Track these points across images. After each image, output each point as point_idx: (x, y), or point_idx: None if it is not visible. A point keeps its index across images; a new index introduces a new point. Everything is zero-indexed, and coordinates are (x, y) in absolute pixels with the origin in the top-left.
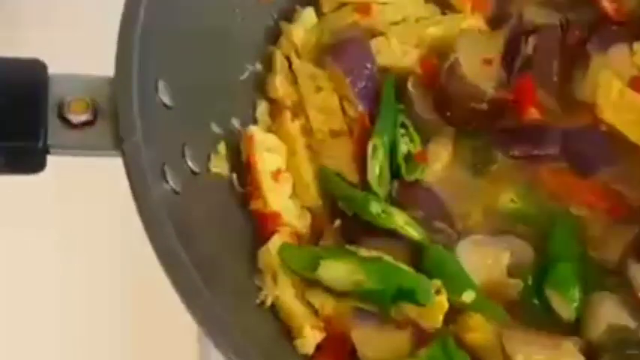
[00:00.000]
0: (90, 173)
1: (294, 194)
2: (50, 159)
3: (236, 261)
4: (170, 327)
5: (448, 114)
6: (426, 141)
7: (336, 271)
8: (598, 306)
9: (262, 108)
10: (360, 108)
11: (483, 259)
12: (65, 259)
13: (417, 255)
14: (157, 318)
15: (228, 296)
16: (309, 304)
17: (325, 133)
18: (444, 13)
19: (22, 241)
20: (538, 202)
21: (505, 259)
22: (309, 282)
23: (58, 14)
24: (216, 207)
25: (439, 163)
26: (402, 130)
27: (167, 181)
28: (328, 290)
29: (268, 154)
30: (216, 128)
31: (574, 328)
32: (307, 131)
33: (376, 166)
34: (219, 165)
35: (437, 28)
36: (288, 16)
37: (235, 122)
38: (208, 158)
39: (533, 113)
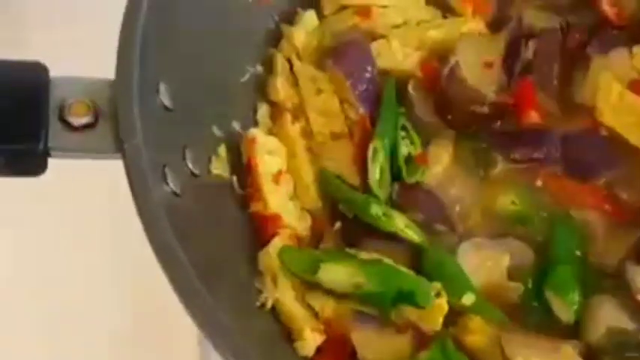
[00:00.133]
0: (90, 174)
1: (295, 196)
2: (51, 160)
3: (236, 263)
4: (171, 329)
5: (449, 117)
6: (426, 143)
7: (336, 273)
8: (597, 309)
9: (263, 110)
10: (361, 111)
11: (483, 262)
12: (65, 260)
13: (417, 258)
14: (157, 320)
15: (228, 298)
16: (309, 307)
17: (326, 136)
18: (444, 17)
19: (20, 242)
20: (538, 204)
21: (505, 261)
22: (309, 284)
23: (60, 17)
24: (217, 209)
25: (439, 165)
26: (403, 133)
27: (167, 183)
28: (328, 293)
29: (269, 156)
30: (216, 130)
31: (573, 331)
32: (308, 134)
33: (377, 169)
34: (220, 167)
35: (438, 31)
36: (290, 19)
37: (236, 124)
38: (209, 160)
39: (533, 117)
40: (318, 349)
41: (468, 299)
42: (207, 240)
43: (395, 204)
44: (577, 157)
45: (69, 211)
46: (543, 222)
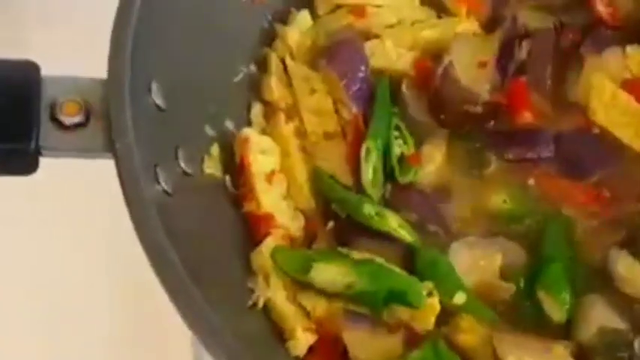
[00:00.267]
0: (82, 174)
1: (288, 196)
2: (42, 160)
3: (228, 263)
4: (164, 330)
5: (442, 117)
6: (419, 143)
7: (328, 273)
8: (589, 309)
9: (256, 110)
10: (354, 110)
11: (476, 261)
12: (58, 261)
13: (409, 257)
14: (151, 320)
15: (220, 298)
16: (301, 307)
17: (319, 136)
18: (439, 17)
19: (13, 242)
20: (530, 203)
21: (497, 261)
22: (301, 284)
23: (57, 17)
24: (209, 209)
25: (432, 165)
26: (396, 133)
27: (159, 183)
28: (320, 292)
29: (262, 155)
30: (209, 130)
31: (564, 331)
32: (301, 133)
33: (369, 169)
34: (213, 167)
35: (432, 31)
36: (283, 19)
37: (229, 124)
38: (201, 160)
39: (526, 117)
40: (310, 349)
41: (460, 299)
42: (199, 240)
43: (388, 204)
44: (570, 156)
45: (61, 211)
46: (535, 220)
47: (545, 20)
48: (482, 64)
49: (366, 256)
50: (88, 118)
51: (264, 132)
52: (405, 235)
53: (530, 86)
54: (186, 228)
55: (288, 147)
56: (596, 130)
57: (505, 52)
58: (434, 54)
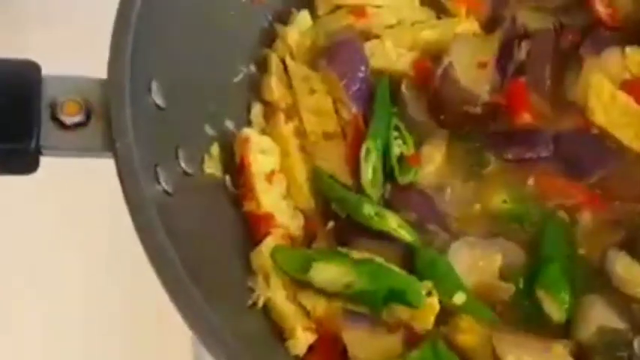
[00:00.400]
0: (83, 173)
1: (288, 196)
2: (42, 159)
3: (228, 262)
4: (164, 330)
5: (442, 117)
6: (419, 144)
7: (328, 272)
8: (589, 308)
9: (256, 110)
10: (354, 110)
11: (476, 261)
12: (57, 260)
13: (409, 257)
14: (151, 320)
15: (220, 297)
16: (301, 306)
17: (319, 136)
18: (439, 17)
19: (14, 241)
20: (529, 202)
21: (497, 261)
22: (301, 284)
23: (54, 16)
24: (209, 208)
25: (432, 165)
26: (396, 133)
27: (159, 183)
28: (320, 292)
29: (262, 155)
30: (209, 130)
31: (564, 330)
32: (301, 133)
33: (369, 169)
34: (213, 166)
35: (432, 31)
36: (283, 19)
37: (229, 124)
38: (201, 160)
39: (526, 117)
40: (310, 348)
41: (459, 298)
42: (199, 239)
43: (387, 204)
44: (569, 156)
45: (61, 211)
46: (534, 220)
47: (545, 21)
48: (482, 65)
49: (366, 255)
50: (88, 118)
51: (264, 132)
52: (405, 235)
53: (529, 87)
54: (187, 227)
55: (287, 147)
56: (595, 131)
57: (505, 53)
58: (434, 54)
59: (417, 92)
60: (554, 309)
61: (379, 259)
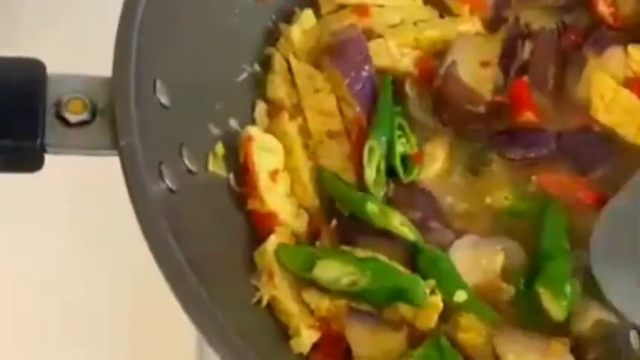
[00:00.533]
0: (86, 171)
1: (292, 194)
2: (47, 157)
3: (232, 260)
4: (169, 327)
5: (445, 116)
6: (422, 142)
7: (331, 271)
8: (585, 302)
9: (260, 108)
10: (358, 109)
11: (478, 260)
12: (60, 258)
13: (412, 256)
14: (155, 317)
15: (224, 296)
16: (304, 304)
17: (323, 134)
18: (442, 16)
19: (17, 241)
20: (531, 199)
21: (499, 260)
22: (305, 282)
23: (58, 14)
24: (213, 207)
25: (435, 164)
26: (399, 132)
27: (164, 181)
28: (324, 290)
29: (266, 154)
30: (213, 128)
31: (563, 328)
32: (305, 132)
33: (373, 167)
34: (217, 165)
35: (435, 30)
36: (287, 18)
37: (233, 123)
38: (206, 158)
39: (528, 116)
40: (314, 346)
41: (460, 297)
42: (203, 237)
43: (390, 202)
44: (572, 153)
45: (65, 209)
46: (535, 215)
47: (548, 20)
48: (485, 64)
49: (370, 254)
50: (93, 116)
51: (267, 131)
52: (407, 233)
53: (532, 86)
54: (191, 225)
55: (291, 145)
56: (598, 129)
57: (508, 52)
58: (437, 53)
59: (421, 91)
60: (555, 306)
61: (383, 258)
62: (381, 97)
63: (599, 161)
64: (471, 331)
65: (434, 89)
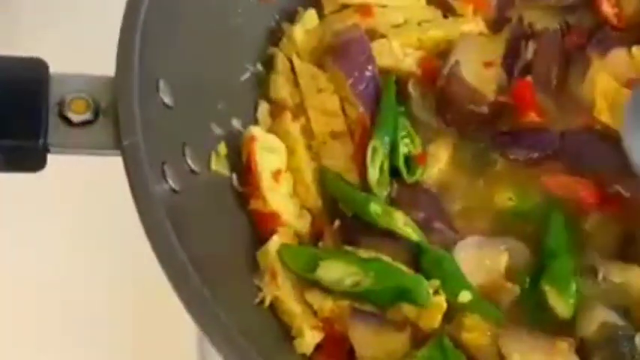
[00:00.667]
0: (89, 171)
1: (294, 194)
2: (50, 157)
3: (235, 260)
4: (170, 327)
5: (448, 116)
6: (425, 142)
7: (335, 271)
8: (591, 305)
9: (263, 108)
10: (361, 109)
11: (482, 260)
12: (61, 258)
13: (415, 256)
14: (157, 317)
15: (227, 296)
16: (307, 305)
17: (326, 134)
18: (445, 16)
19: (18, 241)
20: (534, 199)
21: (503, 260)
22: (308, 282)
23: (60, 14)
24: (216, 206)
25: (438, 164)
26: (403, 132)
27: (167, 181)
28: (327, 290)
29: (269, 154)
30: (216, 128)
31: (569, 328)
32: (308, 132)
33: (376, 168)
34: (220, 165)
35: (438, 31)
36: (290, 18)
37: (236, 122)
38: (208, 158)
39: (532, 117)
40: (317, 347)
41: (465, 297)
42: (206, 237)
43: (394, 202)
44: (575, 154)
45: (68, 208)
46: (539, 215)
47: (552, 21)
48: (489, 64)
49: (373, 254)
50: (96, 116)
51: (270, 130)
52: (411, 233)
53: (535, 86)
54: (193, 225)
55: (294, 145)
56: (601, 129)
57: (511, 52)
58: (440, 53)
59: (424, 91)
60: (561, 304)
61: (386, 258)
62: (384, 97)
63: (601, 161)
64: (476, 331)
65: (437, 89)
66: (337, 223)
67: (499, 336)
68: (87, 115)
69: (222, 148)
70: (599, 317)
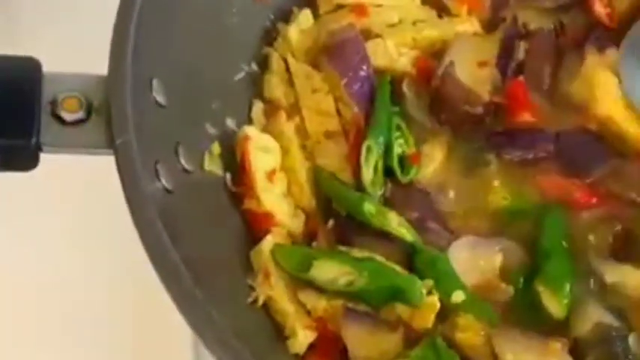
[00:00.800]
0: (81, 170)
1: (288, 194)
2: (43, 156)
3: (228, 260)
4: (171, 327)
5: (443, 116)
6: (420, 142)
7: (328, 271)
8: (585, 305)
9: (257, 108)
10: (355, 109)
11: (475, 261)
12: (56, 258)
13: (409, 256)
14: (157, 317)
15: (220, 296)
16: (301, 304)
17: (320, 134)
18: (440, 16)
19: (11, 238)
20: (529, 199)
21: (498, 260)
22: (301, 282)
23: (59, 14)
24: (209, 206)
25: (433, 164)
26: (397, 132)
27: (159, 180)
28: (320, 290)
29: (263, 154)
30: (210, 128)
31: (562, 327)
32: (302, 132)
33: (370, 168)
34: (213, 164)
35: (433, 30)
36: (285, 17)
37: (230, 122)
38: (202, 157)
39: (526, 117)
40: (310, 347)
41: (458, 297)
42: (199, 237)
43: (388, 202)
44: (569, 154)
45: (61, 208)
46: (534, 216)
47: (545, 20)
48: (483, 64)
49: (367, 254)
50: (88, 115)
51: (265, 130)
52: (405, 233)
53: (529, 86)
54: (186, 224)
55: (288, 145)
56: (595, 128)
57: (505, 53)
58: (435, 53)
59: (418, 91)
60: (555, 304)
61: (380, 258)
62: (378, 97)
63: (595, 162)
64: (469, 331)
65: (432, 89)
66: (331, 222)
67: (493, 336)
68: (79, 114)
69: (216, 147)
70: (593, 317)
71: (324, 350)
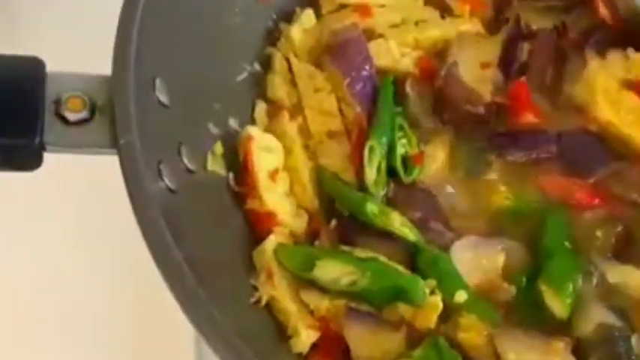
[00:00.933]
0: (85, 170)
1: (291, 194)
2: (47, 156)
3: (231, 260)
4: (171, 327)
5: (445, 116)
6: (422, 142)
7: (331, 271)
8: (588, 305)
9: (260, 108)
10: (358, 109)
11: (478, 260)
12: (59, 257)
13: (412, 256)
14: (157, 317)
15: (223, 295)
16: (303, 304)
17: (323, 134)
18: (442, 17)
19: (14, 237)
20: (531, 199)
21: (500, 260)
22: (304, 282)
23: (59, 13)
24: (212, 206)
25: (435, 164)
26: (400, 132)
27: (163, 180)
28: (323, 290)
29: (265, 153)
30: (213, 128)
31: (564, 326)
32: (305, 131)
33: (373, 168)
34: (216, 164)
35: (435, 31)
36: (288, 17)
37: (233, 122)
38: (205, 157)
39: (528, 117)
40: (313, 346)
41: (461, 297)
42: (202, 236)
43: (391, 202)
44: (571, 155)
45: (64, 208)
46: (536, 216)
47: (548, 21)
48: (486, 65)
49: (369, 254)
50: (92, 114)
51: (267, 130)
52: (408, 233)
53: (531, 86)
54: (189, 224)
55: (291, 145)
56: (597, 130)
57: (508, 53)
58: (437, 54)
59: (421, 91)
60: (557, 304)
61: (382, 258)
62: (381, 97)
63: (597, 163)
64: (472, 331)
65: (435, 89)
66: (334, 222)
67: (495, 335)
68: (83, 114)
69: (219, 147)
70: (596, 317)
71: (327, 350)
